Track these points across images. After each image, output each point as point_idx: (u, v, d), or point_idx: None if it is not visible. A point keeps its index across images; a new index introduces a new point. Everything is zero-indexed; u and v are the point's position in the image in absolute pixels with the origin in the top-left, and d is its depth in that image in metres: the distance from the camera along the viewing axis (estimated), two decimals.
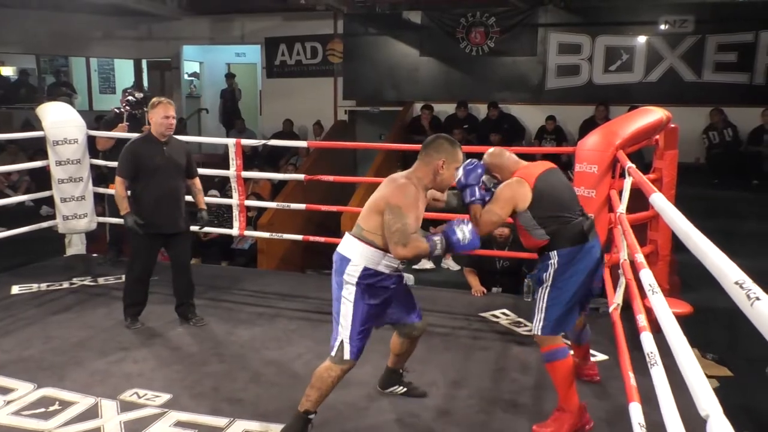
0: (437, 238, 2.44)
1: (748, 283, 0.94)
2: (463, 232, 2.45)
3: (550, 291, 2.59)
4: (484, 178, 2.73)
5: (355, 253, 2.46)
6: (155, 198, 3.67)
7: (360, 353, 2.49)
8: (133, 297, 3.81)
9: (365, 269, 2.44)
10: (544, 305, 2.58)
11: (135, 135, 4.10)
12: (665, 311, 1.45)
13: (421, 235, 2.45)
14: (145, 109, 5.52)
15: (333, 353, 2.47)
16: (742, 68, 8.15)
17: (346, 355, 2.45)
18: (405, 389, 2.95)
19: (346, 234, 2.54)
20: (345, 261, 2.47)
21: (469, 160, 2.70)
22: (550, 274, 2.60)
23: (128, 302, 3.82)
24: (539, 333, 2.59)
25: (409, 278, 6.03)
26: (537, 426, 2.62)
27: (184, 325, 3.84)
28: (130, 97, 5.25)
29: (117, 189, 3.69)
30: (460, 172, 2.64)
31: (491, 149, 2.89)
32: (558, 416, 2.59)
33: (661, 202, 1.79)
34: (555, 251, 2.59)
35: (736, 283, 0.96)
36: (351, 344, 2.45)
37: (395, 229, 2.36)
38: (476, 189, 2.67)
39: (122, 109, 5.14)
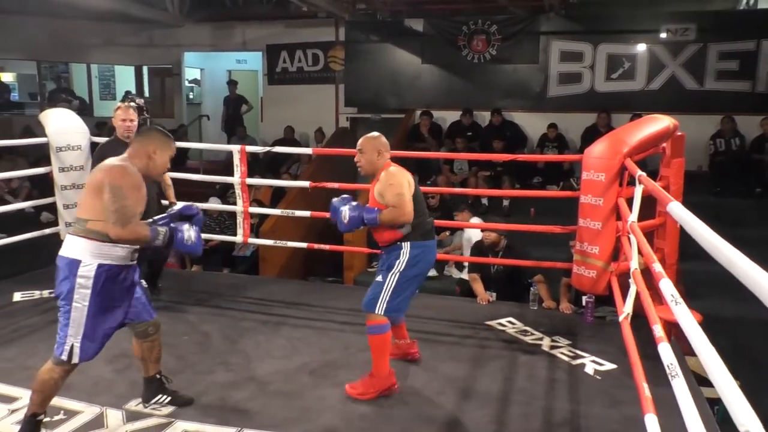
0: (162, 230, 2.49)
1: None
2: (190, 235, 2.54)
3: (399, 278, 2.91)
4: None
5: (84, 253, 2.39)
6: None
7: (91, 354, 2.48)
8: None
9: (100, 266, 2.40)
10: (391, 289, 2.90)
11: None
12: (692, 324, 1.42)
13: (147, 223, 2.49)
14: (146, 115, 5.53)
15: (60, 356, 2.44)
16: (744, 76, 8.16)
17: (75, 359, 2.45)
18: (170, 398, 2.86)
19: (67, 236, 2.48)
20: (74, 263, 2.40)
21: (335, 210, 3.05)
22: (402, 263, 2.91)
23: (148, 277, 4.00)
24: (381, 313, 2.88)
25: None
26: (349, 385, 2.98)
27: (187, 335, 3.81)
28: (131, 103, 5.24)
29: None
30: (345, 219, 2.97)
31: (371, 134, 3.08)
32: (369, 380, 2.95)
33: (679, 210, 1.77)
34: (408, 242, 2.94)
35: None
36: (83, 345, 2.44)
37: (114, 208, 2.35)
38: (363, 208, 2.96)
39: None
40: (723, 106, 8.09)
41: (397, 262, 2.92)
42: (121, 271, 2.49)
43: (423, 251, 2.97)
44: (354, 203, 3.04)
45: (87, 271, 2.39)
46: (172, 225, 2.55)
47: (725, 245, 1.23)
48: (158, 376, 2.85)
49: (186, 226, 2.56)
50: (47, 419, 2.71)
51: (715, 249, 1.25)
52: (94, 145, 5.09)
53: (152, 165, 2.54)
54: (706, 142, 7.97)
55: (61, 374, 2.49)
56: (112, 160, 2.51)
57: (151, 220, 2.58)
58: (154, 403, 2.84)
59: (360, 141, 3.05)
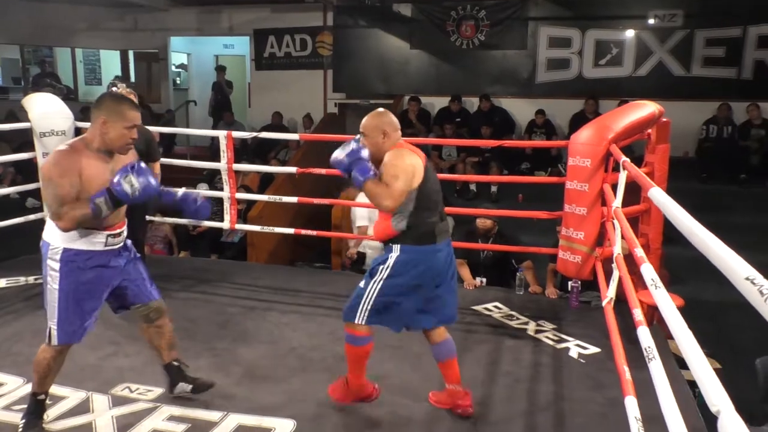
0: (100, 198, 2.25)
1: (759, 278, 0.94)
2: (132, 184, 2.24)
3: (382, 287, 2.50)
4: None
5: (53, 236, 2.38)
6: None
7: (79, 336, 2.46)
8: None
9: (65, 250, 2.37)
10: (373, 297, 2.51)
11: None
12: (670, 308, 1.45)
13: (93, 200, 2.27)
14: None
15: (46, 339, 2.47)
16: (730, 63, 8.20)
17: (54, 341, 2.44)
18: (191, 386, 2.78)
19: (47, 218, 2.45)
20: (46, 246, 2.39)
21: (348, 142, 2.54)
22: (386, 269, 2.51)
23: None
24: (361, 323, 2.53)
25: None
26: (330, 387, 2.78)
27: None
28: (113, 89, 5.22)
29: None
30: (341, 152, 2.49)
31: (376, 110, 2.65)
32: (345, 388, 2.73)
33: (660, 196, 1.79)
34: (398, 245, 2.51)
35: (747, 278, 0.95)
36: (61, 328, 2.42)
37: (48, 203, 2.30)
38: (366, 163, 2.46)
39: None
40: (710, 93, 8.15)
41: (381, 267, 2.52)
42: (97, 255, 2.41)
43: (417, 258, 2.50)
44: (354, 147, 2.51)
45: (54, 254, 2.37)
46: (109, 186, 2.27)
47: (701, 230, 1.25)
48: (175, 363, 2.76)
49: (122, 178, 2.24)
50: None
51: (691, 233, 1.27)
52: (78, 131, 5.05)
53: (107, 138, 2.31)
54: (697, 128, 8.04)
55: (52, 355, 2.48)
56: (60, 145, 2.38)
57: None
58: (178, 392, 2.77)
59: (362, 122, 2.62)
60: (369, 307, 2.52)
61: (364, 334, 2.58)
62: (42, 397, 2.56)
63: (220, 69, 10.95)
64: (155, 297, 2.64)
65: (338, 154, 2.50)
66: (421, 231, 2.51)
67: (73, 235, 2.35)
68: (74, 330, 2.45)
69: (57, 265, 2.37)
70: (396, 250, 2.51)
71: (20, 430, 2.51)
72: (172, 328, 2.73)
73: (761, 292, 0.88)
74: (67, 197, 2.26)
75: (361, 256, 5.36)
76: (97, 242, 2.40)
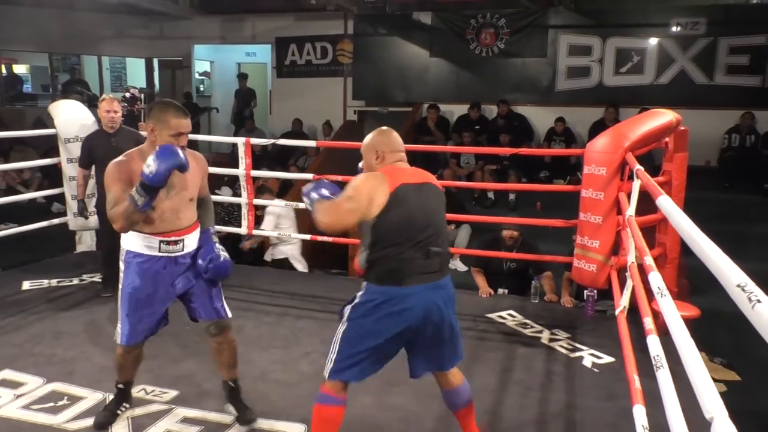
0: (133, 190, 2.25)
1: (750, 285, 0.94)
2: (149, 166, 2.20)
3: (347, 329, 2.18)
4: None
5: (124, 238, 2.51)
6: None
7: (136, 338, 2.51)
8: (107, 269, 4.30)
9: (128, 252, 2.48)
10: (338, 344, 2.18)
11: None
12: (673, 314, 1.45)
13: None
14: (141, 105, 5.65)
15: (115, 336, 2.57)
16: (754, 71, 8.07)
17: (117, 339, 2.54)
18: (236, 414, 2.71)
19: None
20: (120, 247, 2.54)
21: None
22: (349, 308, 2.20)
23: (105, 275, 4.37)
24: (326, 377, 2.20)
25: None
26: None
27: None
28: (126, 94, 5.42)
29: (77, 177, 4.48)
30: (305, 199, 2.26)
31: (377, 129, 2.37)
32: None
33: (667, 204, 1.79)
34: (365, 283, 2.19)
35: (738, 285, 0.96)
36: (122, 328, 2.52)
37: (108, 209, 2.36)
38: (323, 189, 2.25)
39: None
40: (733, 101, 8.03)
41: (347, 307, 2.22)
42: (152, 259, 2.46)
43: (384, 301, 2.11)
44: (330, 183, 2.32)
45: (122, 256, 2.52)
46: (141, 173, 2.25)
47: (701, 237, 1.25)
48: (230, 383, 2.72)
49: (145, 165, 2.22)
50: (51, 404, 2.79)
51: (691, 240, 1.27)
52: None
53: (155, 145, 2.33)
54: (719, 137, 7.93)
55: (120, 353, 2.59)
56: (123, 155, 2.45)
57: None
58: (226, 411, 2.74)
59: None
60: (334, 357, 2.18)
61: (329, 392, 2.19)
62: (121, 386, 2.71)
63: (242, 77, 11.09)
64: (216, 316, 2.60)
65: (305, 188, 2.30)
66: (385, 268, 2.13)
67: (133, 240, 2.46)
68: (134, 332, 2.51)
69: (123, 267, 2.51)
70: (363, 288, 2.20)
71: (101, 410, 2.72)
72: (235, 348, 2.69)
73: (749, 299, 0.89)
74: (118, 201, 2.34)
75: None
76: (151, 247, 2.47)
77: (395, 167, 2.25)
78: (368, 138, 2.32)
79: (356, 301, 2.19)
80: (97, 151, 4.11)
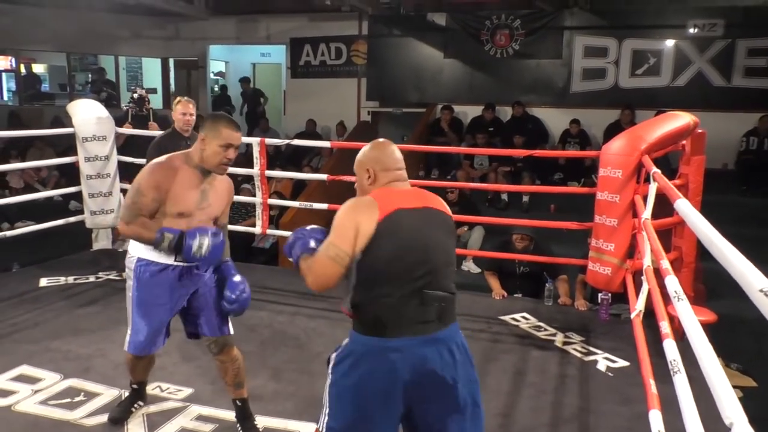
0: (169, 235, 2.28)
1: None
2: (202, 246, 2.27)
3: (331, 391, 1.82)
4: None
5: (132, 245, 2.47)
6: None
7: (141, 348, 2.49)
8: None
9: (139, 260, 2.43)
10: (327, 406, 1.83)
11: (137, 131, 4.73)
12: (690, 318, 1.44)
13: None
14: (149, 106, 5.68)
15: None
16: None
17: (125, 347, 2.52)
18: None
19: None
20: (126, 255, 2.51)
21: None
22: (332, 366, 1.84)
23: None
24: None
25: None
26: None
27: None
28: (134, 95, 5.45)
29: None
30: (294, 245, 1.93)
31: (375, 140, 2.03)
32: None
33: (685, 207, 1.77)
34: (352, 330, 1.81)
35: (761, 290, 0.95)
36: (130, 336, 2.50)
37: (125, 204, 2.35)
38: (307, 240, 1.91)
39: (128, 107, 5.42)
40: (751, 104, 7.94)
41: (332, 355, 1.87)
42: (164, 268, 2.41)
43: (363, 355, 1.75)
44: (313, 229, 1.97)
45: (130, 262, 2.47)
46: (188, 231, 2.31)
47: (721, 241, 1.24)
48: (238, 402, 2.64)
49: (200, 234, 2.29)
50: (68, 400, 2.83)
51: (710, 244, 1.26)
52: (119, 136, 5.22)
53: (204, 154, 2.34)
54: (736, 140, 7.84)
55: (130, 359, 2.60)
56: (160, 157, 2.43)
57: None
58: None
59: None
60: (326, 420, 1.81)
61: None
62: (135, 386, 2.76)
63: (244, 80, 11.29)
64: (218, 333, 2.54)
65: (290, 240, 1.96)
66: (369, 314, 1.75)
67: (144, 245, 2.40)
68: (143, 341, 2.48)
69: (131, 274, 2.46)
70: (350, 335, 1.83)
71: (116, 406, 2.76)
72: (240, 367, 2.61)
73: None
74: (145, 209, 2.32)
75: None
76: (163, 254, 2.40)
77: (390, 189, 1.85)
78: (360, 153, 1.95)
79: (339, 353, 1.83)
80: (170, 152, 4.04)
